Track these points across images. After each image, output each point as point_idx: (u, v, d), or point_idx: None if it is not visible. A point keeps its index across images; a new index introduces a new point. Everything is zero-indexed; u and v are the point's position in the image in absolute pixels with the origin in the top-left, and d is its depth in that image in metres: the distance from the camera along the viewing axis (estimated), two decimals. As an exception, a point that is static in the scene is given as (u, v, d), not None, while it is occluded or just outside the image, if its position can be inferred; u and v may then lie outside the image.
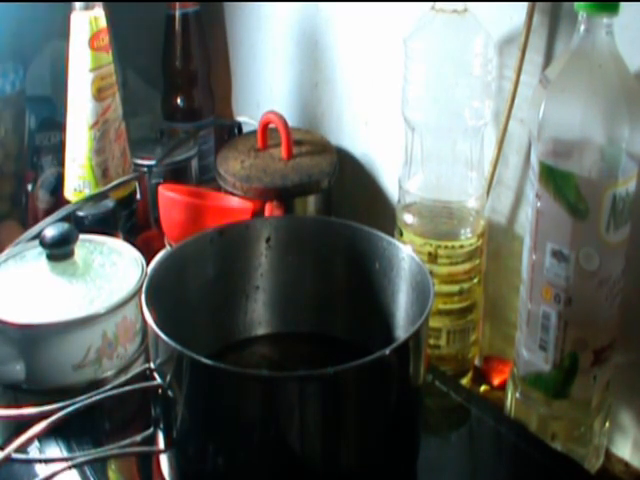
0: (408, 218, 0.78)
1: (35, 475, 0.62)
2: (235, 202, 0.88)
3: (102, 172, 0.91)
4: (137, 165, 0.97)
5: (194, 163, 1.04)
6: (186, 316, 0.68)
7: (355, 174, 0.98)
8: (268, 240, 0.72)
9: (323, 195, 0.92)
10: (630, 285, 0.68)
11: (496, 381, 0.82)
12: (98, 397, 0.60)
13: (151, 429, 0.62)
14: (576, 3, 0.61)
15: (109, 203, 0.88)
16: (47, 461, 0.64)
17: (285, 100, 1.06)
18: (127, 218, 0.93)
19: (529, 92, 0.71)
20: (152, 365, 0.60)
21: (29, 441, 0.60)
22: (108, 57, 0.89)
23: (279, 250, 0.72)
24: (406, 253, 0.67)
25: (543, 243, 0.65)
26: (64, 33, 0.88)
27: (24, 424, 0.61)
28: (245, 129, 1.09)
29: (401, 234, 0.78)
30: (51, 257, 0.74)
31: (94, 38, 0.87)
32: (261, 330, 0.75)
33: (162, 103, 1.10)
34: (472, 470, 0.69)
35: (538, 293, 0.67)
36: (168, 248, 0.87)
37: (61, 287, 0.72)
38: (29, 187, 1.00)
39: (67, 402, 0.60)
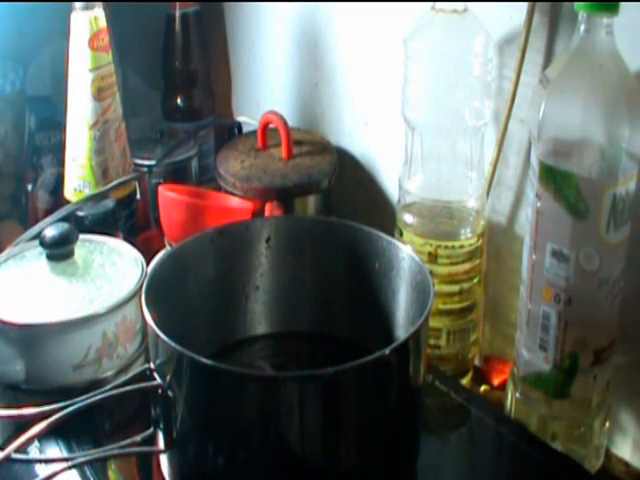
0: (408, 218, 0.78)
1: (35, 475, 0.62)
2: (235, 202, 0.88)
3: (102, 172, 0.91)
4: (137, 165, 0.97)
5: (194, 163, 1.04)
6: (186, 316, 0.68)
7: (355, 174, 0.98)
8: (268, 240, 0.72)
9: (323, 195, 0.92)
10: (630, 285, 0.68)
11: (496, 381, 0.82)
12: (98, 397, 0.60)
13: (151, 429, 0.62)
14: (576, 3, 0.61)
15: (109, 203, 0.88)
16: (47, 461, 0.64)
17: (285, 100, 1.06)
18: (127, 218, 0.93)
19: (529, 92, 0.71)
20: (152, 365, 0.60)
21: (29, 441, 0.60)
22: (108, 57, 0.89)
23: (279, 250, 0.72)
24: (406, 253, 0.67)
25: (543, 243, 0.65)
26: (64, 33, 0.88)
27: (24, 424, 0.61)
28: (245, 129, 1.09)
29: (401, 234, 0.78)
30: (51, 257, 0.74)
31: (94, 38, 0.87)
32: (261, 330, 0.75)
33: (162, 103, 1.10)
34: (472, 470, 0.69)
35: (538, 293, 0.67)
36: (168, 248, 0.87)
37: (61, 287, 0.72)
38: (29, 187, 1.00)
39: (67, 402, 0.60)
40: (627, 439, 0.74)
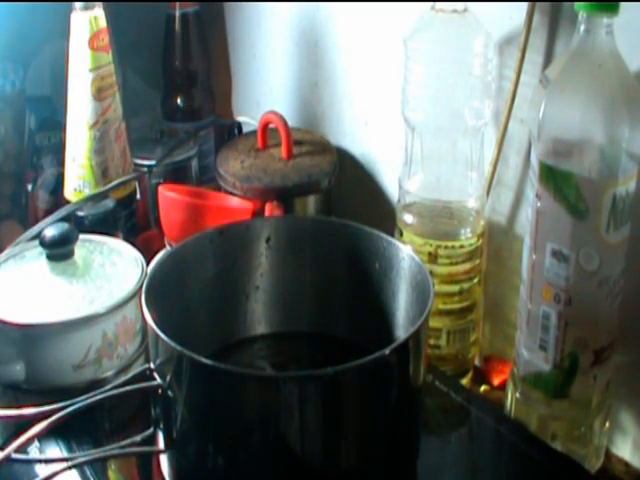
0: (408, 218, 0.78)
1: (35, 475, 0.62)
2: (235, 202, 0.88)
3: (102, 172, 0.91)
4: (137, 165, 0.97)
5: (194, 163, 1.03)
6: (186, 316, 0.68)
7: (355, 174, 0.98)
8: (268, 240, 0.72)
9: (323, 195, 0.92)
10: (630, 285, 0.68)
11: (496, 381, 0.82)
12: (98, 397, 0.60)
13: (151, 429, 0.62)
14: (576, 3, 0.61)
15: (109, 203, 0.88)
16: (47, 461, 0.64)
17: (285, 100, 1.06)
18: (127, 218, 0.93)
19: (529, 92, 0.71)
20: (152, 365, 0.60)
21: (29, 441, 0.60)
22: (108, 57, 0.89)
23: (279, 250, 0.72)
24: (406, 253, 0.67)
25: (543, 243, 0.65)
26: (64, 33, 0.88)
27: (24, 424, 0.61)
28: (245, 129, 1.09)
29: (401, 234, 0.78)
30: (51, 257, 0.74)
31: (94, 38, 0.87)
32: (261, 330, 0.75)
33: (162, 103, 1.10)
34: (472, 470, 0.70)
35: (538, 293, 0.67)
36: (168, 248, 0.87)
37: (61, 287, 0.72)
38: (29, 187, 1.00)
39: (67, 402, 0.60)
40: (627, 439, 0.74)
